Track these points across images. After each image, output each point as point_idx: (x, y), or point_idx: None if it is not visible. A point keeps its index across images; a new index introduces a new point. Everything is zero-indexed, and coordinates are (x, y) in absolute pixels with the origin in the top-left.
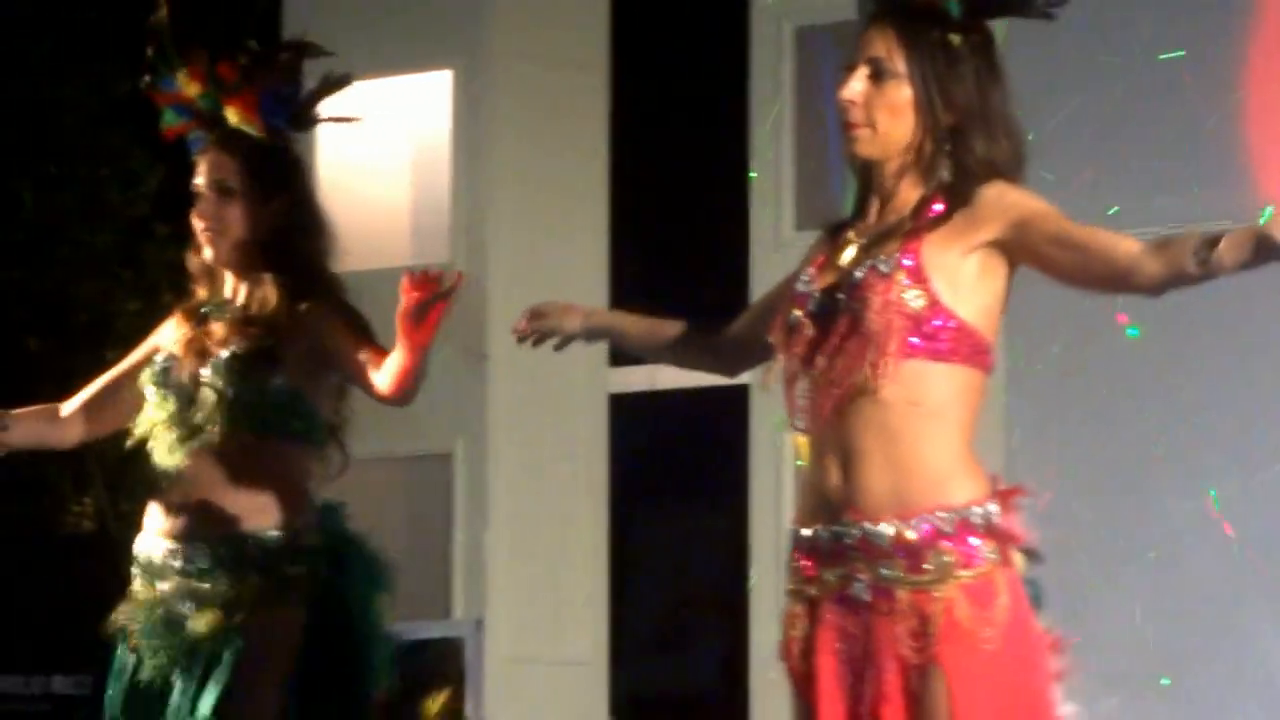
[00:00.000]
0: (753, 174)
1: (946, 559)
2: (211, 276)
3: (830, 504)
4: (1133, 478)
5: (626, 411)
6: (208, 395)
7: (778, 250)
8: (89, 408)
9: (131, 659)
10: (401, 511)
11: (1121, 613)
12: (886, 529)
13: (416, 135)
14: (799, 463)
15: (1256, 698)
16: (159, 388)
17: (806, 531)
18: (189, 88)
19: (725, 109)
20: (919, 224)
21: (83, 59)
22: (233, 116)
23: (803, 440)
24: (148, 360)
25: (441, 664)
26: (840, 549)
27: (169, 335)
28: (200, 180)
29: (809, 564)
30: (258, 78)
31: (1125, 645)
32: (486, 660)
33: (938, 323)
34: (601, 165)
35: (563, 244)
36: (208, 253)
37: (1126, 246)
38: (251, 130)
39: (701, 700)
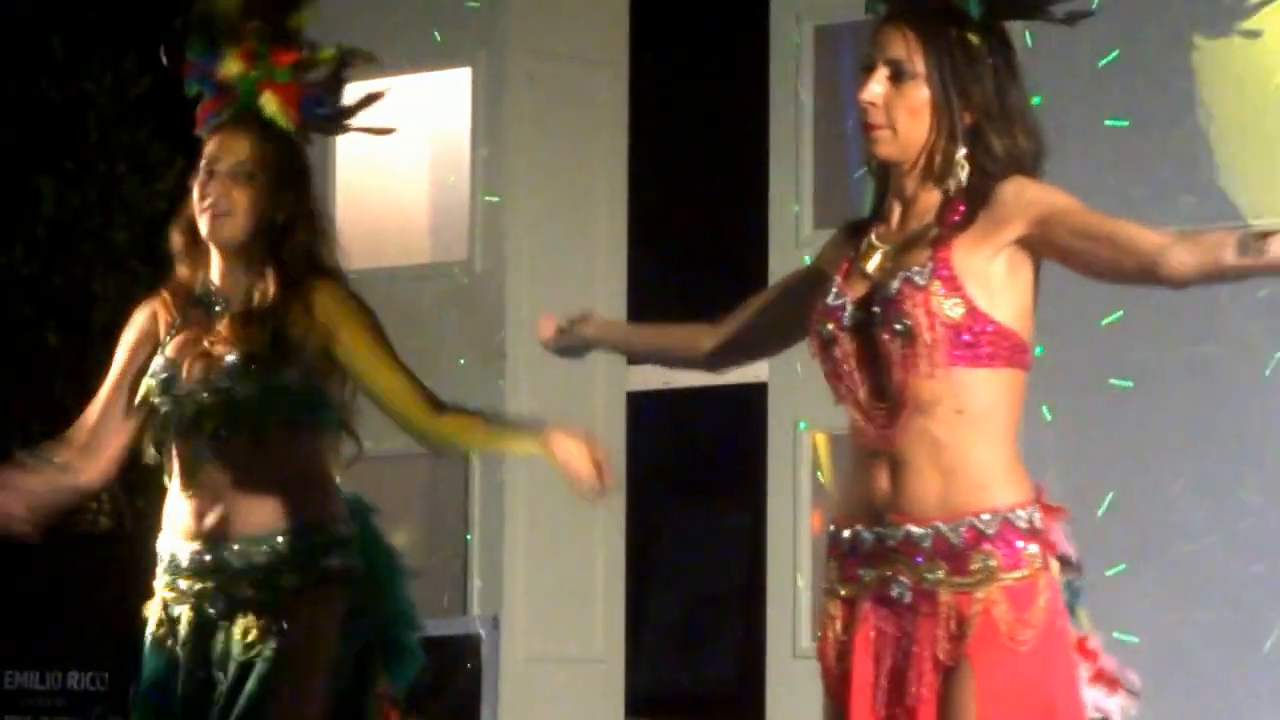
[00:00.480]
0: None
1: (991, 562)
2: (194, 257)
3: (874, 507)
4: (1149, 476)
5: (644, 410)
6: (221, 401)
7: (796, 248)
8: (95, 444)
9: (166, 669)
10: (419, 509)
11: (1138, 611)
12: (930, 531)
13: (435, 133)
14: (819, 472)
15: (1275, 696)
16: (165, 397)
17: (846, 532)
18: (231, 66)
19: (744, 107)
20: (945, 230)
21: (101, 56)
22: (270, 105)
23: (821, 439)
24: (135, 362)
25: (458, 661)
26: (882, 550)
27: (151, 330)
28: (215, 160)
29: (848, 564)
30: (306, 74)
31: (1143, 643)
32: (503, 658)
33: (977, 329)
34: (620, 163)
35: (581, 242)
36: (204, 231)
37: (1154, 237)
38: (284, 122)
39: (718, 698)
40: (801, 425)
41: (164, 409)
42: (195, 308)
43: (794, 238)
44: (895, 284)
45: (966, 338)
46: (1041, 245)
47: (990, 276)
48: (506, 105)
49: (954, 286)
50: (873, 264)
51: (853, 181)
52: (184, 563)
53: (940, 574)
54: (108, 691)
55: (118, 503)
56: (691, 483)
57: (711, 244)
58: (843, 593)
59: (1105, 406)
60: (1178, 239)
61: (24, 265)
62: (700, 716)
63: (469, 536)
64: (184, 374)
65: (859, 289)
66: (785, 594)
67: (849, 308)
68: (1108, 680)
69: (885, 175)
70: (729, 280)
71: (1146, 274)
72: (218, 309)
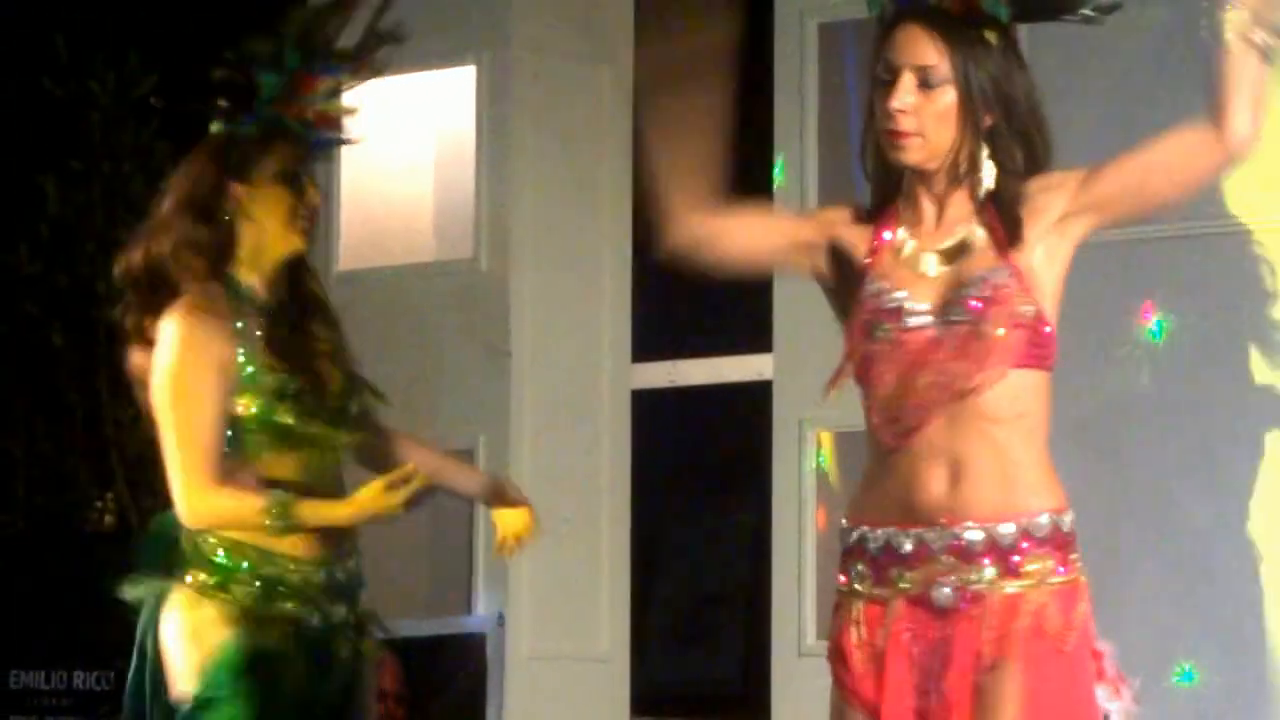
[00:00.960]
0: (778, 169)
1: (1043, 565)
2: (225, 260)
3: (920, 508)
4: (1152, 474)
5: (649, 408)
6: (349, 420)
7: None
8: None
9: (274, 684)
10: (424, 507)
11: (1140, 610)
12: (983, 534)
13: (440, 131)
14: (821, 459)
15: (1277, 696)
16: (309, 419)
17: (879, 533)
18: (323, 85)
19: (749, 105)
20: (1002, 232)
21: (105, 55)
22: (339, 114)
23: (826, 437)
24: (226, 389)
25: (463, 660)
26: (924, 553)
27: (228, 346)
28: (300, 170)
29: (881, 566)
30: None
31: (1144, 642)
32: (508, 656)
33: (1042, 330)
34: (625, 160)
35: (586, 240)
36: (300, 239)
37: (1192, 126)
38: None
39: (723, 696)
40: (807, 423)
41: (306, 430)
42: (252, 314)
43: None
44: (978, 286)
45: (1035, 340)
46: (1091, 210)
47: (1037, 273)
48: (511, 103)
49: (1024, 288)
50: (927, 264)
51: (857, 179)
52: (290, 580)
53: (990, 576)
54: (113, 691)
55: (122, 501)
56: (696, 481)
57: None
58: (874, 594)
59: (1110, 396)
60: (1205, 118)
61: (28, 264)
62: (705, 715)
63: (473, 535)
64: (315, 389)
65: (920, 289)
66: (790, 592)
67: (911, 307)
68: (1110, 681)
69: (886, 178)
70: (733, 277)
71: (1217, 150)
72: (256, 313)
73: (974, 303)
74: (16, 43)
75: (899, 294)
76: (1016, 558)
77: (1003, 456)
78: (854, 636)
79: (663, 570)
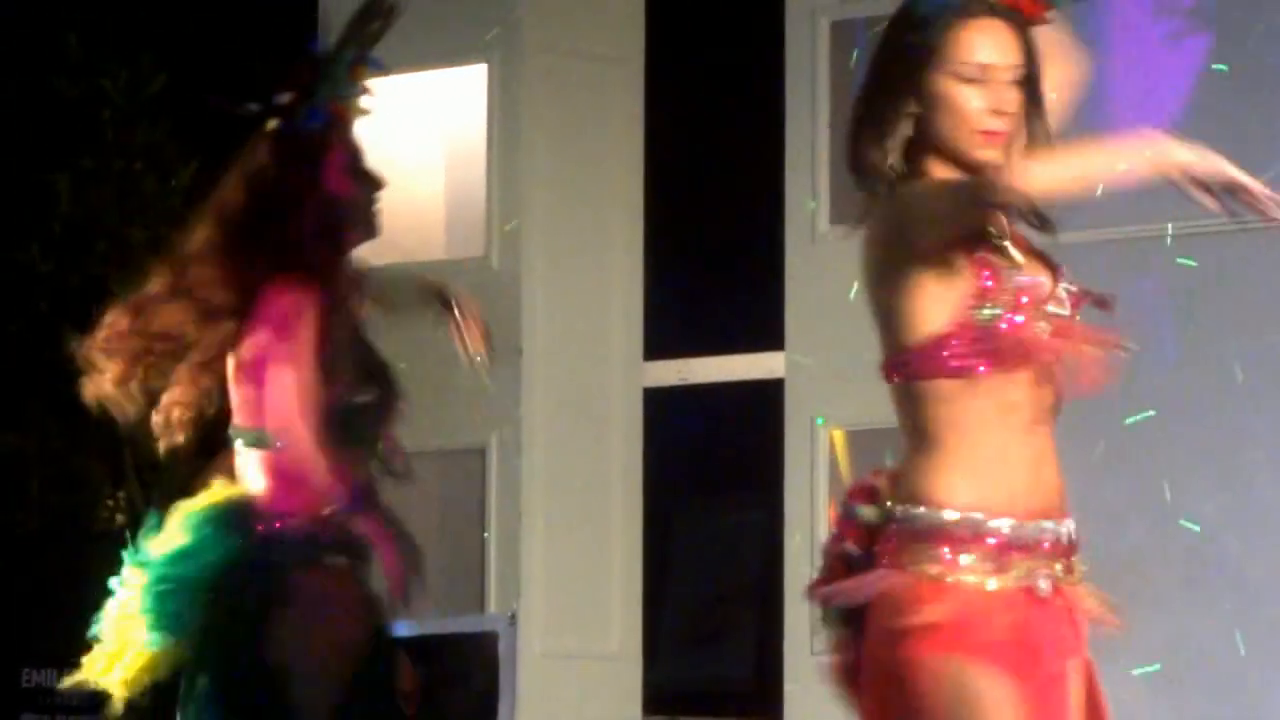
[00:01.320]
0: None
1: (1083, 563)
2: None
3: (1032, 499)
4: (1162, 473)
5: (661, 406)
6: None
7: (813, 244)
8: None
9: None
10: (435, 506)
11: (1152, 608)
12: (1059, 528)
13: (451, 129)
14: (839, 461)
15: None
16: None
17: (1000, 522)
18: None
19: (760, 102)
20: (1037, 222)
21: (117, 54)
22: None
23: (838, 435)
24: None
25: (475, 658)
26: (1032, 543)
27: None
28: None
29: (1001, 554)
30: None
31: (1156, 641)
32: (520, 655)
33: None
34: (636, 159)
35: (597, 238)
36: (376, 232)
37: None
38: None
39: (735, 694)
40: (819, 421)
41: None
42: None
43: (810, 233)
44: (1070, 280)
45: None
46: None
47: None
48: (522, 102)
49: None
50: (1038, 255)
51: None
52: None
53: (1060, 570)
54: None
55: (134, 500)
56: (708, 479)
57: (728, 239)
58: (988, 583)
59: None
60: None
61: (40, 263)
62: (717, 713)
63: (485, 533)
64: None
65: (1040, 272)
66: (803, 591)
67: (1058, 295)
68: None
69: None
70: (745, 275)
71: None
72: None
73: (1074, 297)
74: (28, 41)
75: (1044, 281)
76: (1072, 553)
77: (1055, 453)
78: (977, 620)
79: (674, 568)
